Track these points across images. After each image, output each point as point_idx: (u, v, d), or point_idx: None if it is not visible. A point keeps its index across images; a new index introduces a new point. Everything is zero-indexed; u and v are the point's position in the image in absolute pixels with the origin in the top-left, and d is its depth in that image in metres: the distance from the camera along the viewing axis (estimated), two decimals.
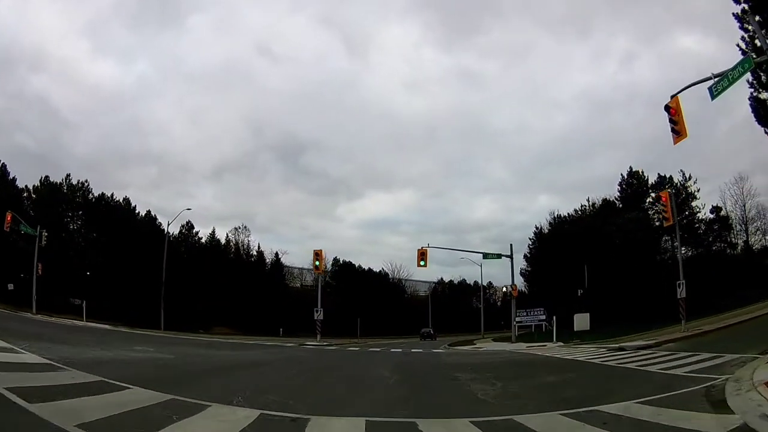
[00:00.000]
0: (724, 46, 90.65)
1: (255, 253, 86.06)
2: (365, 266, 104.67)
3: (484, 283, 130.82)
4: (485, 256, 34.77)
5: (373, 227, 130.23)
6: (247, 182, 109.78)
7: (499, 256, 36.08)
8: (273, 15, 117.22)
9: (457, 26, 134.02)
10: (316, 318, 35.13)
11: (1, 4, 78.75)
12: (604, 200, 55.54)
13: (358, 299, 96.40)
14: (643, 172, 56.27)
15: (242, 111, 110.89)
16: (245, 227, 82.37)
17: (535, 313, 40.48)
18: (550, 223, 62.74)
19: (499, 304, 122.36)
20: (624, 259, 43.57)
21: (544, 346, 28.39)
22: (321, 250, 34.74)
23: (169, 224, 55.41)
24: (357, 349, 29.09)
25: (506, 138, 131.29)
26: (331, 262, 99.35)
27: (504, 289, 34.58)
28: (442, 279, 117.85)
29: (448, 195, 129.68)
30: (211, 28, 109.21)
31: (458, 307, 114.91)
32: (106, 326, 38.89)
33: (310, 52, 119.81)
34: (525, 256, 67.49)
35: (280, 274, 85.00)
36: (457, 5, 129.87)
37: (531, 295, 66.81)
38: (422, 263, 32.26)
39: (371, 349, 28.59)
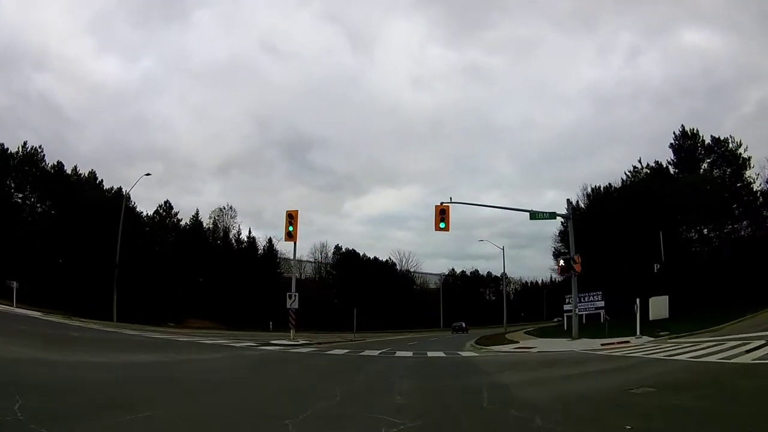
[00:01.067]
0: (729, 43, 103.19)
1: (246, 238, 76.87)
2: (370, 255, 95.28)
3: (497, 274, 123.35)
4: (533, 215, 25.16)
5: (380, 223, 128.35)
6: (254, 178, 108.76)
7: (552, 215, 26.43)
8: (278, 10, 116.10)
9: (462, 21, 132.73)
10: (289, 306, 26.04)
11: (5, 2, 74.24)
12: (656, 163, 45.89)
13: (362, 291, 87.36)
14: (697, 131, 46.46)
15: (248, 107, 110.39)
16: (231, 207, 73.16)
17: (592, 298, 31.20)
18: (588, 195, 53.17)
19: (512, 296, 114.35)
20: (693, 228, 34.10)
21: (627, 342, 19.10)
22: (296, 211, 25.45)
23: (127, 194, 45.90)
24: (342, 352, 19.41)
25: (512, 133, 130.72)
26: (332, 251, 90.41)
27: (560, 263, 23.92)
28: (453, 270, 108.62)
29: (454, 191, 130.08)
30: (216, 24, 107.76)
31: (471, 299, 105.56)
32: (35, 314, 30.79)
33: (316, 48, 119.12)
34: (560, 234, 57.68)
35: (273, 262, 75.73)
36: (462, 0, 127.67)
37: (568, 282, 57.50)
38: (442, 225, 23.13)
39: (365, 353, 19.53)
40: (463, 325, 69.27)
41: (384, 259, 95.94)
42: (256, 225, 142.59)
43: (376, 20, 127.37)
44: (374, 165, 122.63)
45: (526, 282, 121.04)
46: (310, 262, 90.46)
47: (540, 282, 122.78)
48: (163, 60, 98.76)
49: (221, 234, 71.53)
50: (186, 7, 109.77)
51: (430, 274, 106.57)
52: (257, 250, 76.76)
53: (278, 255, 79.33)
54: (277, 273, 76.05)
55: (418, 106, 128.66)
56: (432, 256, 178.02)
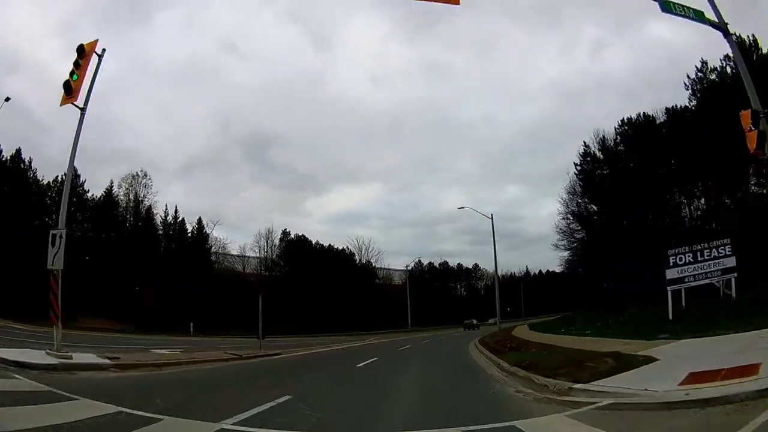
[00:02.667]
0: (697, 35, 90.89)
1: (171, 218, 62.31)
2: (324, 243, 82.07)
3: (469, 266, 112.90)
4: (665, 6, 11.37)
5: (342, 222, 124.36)
6: (216, 178, 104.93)
7: (699, 14, 12.76)
8: (240, 10, 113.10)
9: (422, 18, 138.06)
10: (49, 266, 12.11)
11: None
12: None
13: (314, 285, 74.46)
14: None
15: (210, 107, 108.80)
16: (145, 174, 58.55)
17: (707, 255, 17.65)
18: (619, 132, 41.07)
19: (482, 292, 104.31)
20: None
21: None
22: (93, 43, 12.46)
23: None
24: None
25: (474, 130, 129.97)
26: (279, 236, 76.68)
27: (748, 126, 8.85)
28: (420, 261, 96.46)
29: (415, 188, 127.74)
30: (179, 25, 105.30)
31: (441, 294, 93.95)
32: None
33: (277, 48, 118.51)
34: (573, 193, 46.73)
35: (204, 248, 61.49)
36: None
37: (586, 258, 46.65)
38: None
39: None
40: (475, 321, 67.36)
41: (340, 248, 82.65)
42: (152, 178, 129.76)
43: (337, 19, 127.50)
44: (336, 163, 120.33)
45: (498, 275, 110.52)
46: (254, 257, 76.41)
47: (513, 273, 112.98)
48: (127, 62, 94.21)
49: (132, 207, 56.68)
50: (150, 7, 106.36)
51: (395, 270, 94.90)
52: (186, 230, 62.33)
53: (212, 242, 65.31)
54: (209, 262, 61.83)
55: (380, 104, 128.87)
56: (395, 254, 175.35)
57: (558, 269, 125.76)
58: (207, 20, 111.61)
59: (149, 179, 58.51)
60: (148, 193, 58.31)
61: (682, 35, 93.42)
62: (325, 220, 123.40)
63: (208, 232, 63.29)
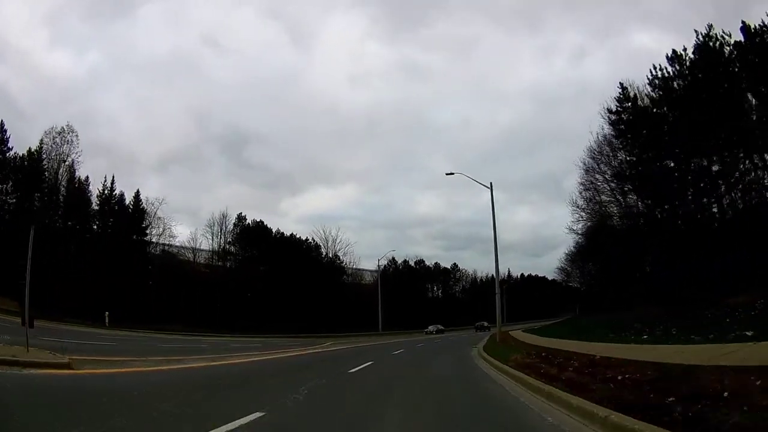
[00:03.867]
0: (680, 44, 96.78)
1: (107, 191, 51.86)
2: (285, 231, 72.61)
3: (448, 266, 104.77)
4: None
5: (317, 222, 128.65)
6: (192, 174, 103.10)
7: None
8: (222, 6, 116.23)
9: (402, 19, 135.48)
10: None
11: None
12: None
13: (273, 278, 64.96)
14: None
15: (189, 102, 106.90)
16: (71, 129, 47.90)
17: None
18: (656, 83, 32.26)
19: (458, 295, 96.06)
20: None
21: None
22: None
23: None
24: None
25: (450, 133, 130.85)
26: (233, 221, 66.88)
27: None
28: (393, 258, 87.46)
29: (390, 190, 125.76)
30: (161, 19, 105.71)
31: (415, 295, 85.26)
32: None
33: (256, 45, 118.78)
34: (600, 153, 39.37)
35: (139, 226, 51.40)
36: None
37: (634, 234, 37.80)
38: None
39: None
40: (485, 324, 66.27)
41: (304, 238, 73.16)
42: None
43: (316, 17, 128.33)
44: (311, 163, 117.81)
45: (476, 278, 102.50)
46: (205, 250, 66.36)
47: (491, 277, 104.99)
48: (109, 54, 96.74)
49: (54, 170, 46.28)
50: (135, 1, 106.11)
51: (366, 269, 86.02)
52: (125, 206, 51.98)
53: (156, 223, 55.03)
54: (143, 244, 51.80)
55: (356, 104, 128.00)
56: (368, 257, 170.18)
57: (542, 274, 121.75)
58: (189, 15, 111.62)
59: (75, 135, 47.79)
60: (71, 151, 47.70)
61: (665, 45, 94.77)
62: (300, 220, 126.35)
63: (145, 208, 52.98)
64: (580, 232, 46.17)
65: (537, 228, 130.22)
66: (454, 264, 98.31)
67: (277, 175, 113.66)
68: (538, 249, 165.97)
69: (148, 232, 55.44)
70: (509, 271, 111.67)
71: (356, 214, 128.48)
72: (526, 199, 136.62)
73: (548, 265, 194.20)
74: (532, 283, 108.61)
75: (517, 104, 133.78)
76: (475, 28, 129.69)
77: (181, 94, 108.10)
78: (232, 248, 68.26)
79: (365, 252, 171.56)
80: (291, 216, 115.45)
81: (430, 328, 65.08)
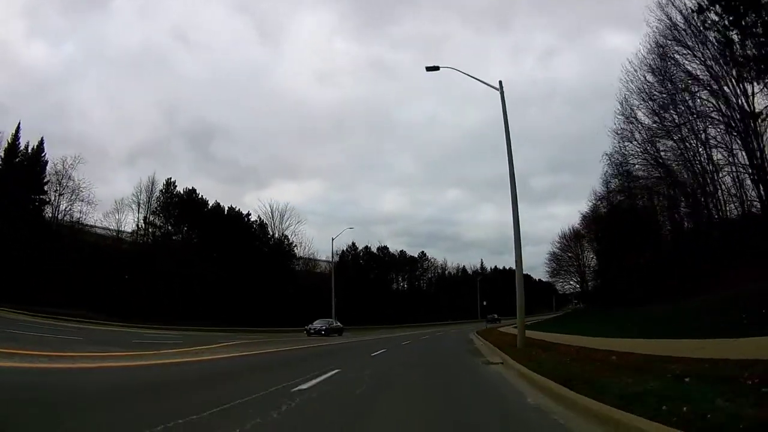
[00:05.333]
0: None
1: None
2: (224, 204, 60.47)
3: (415, 254, 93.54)
4: None
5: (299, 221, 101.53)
6: (161, 168, 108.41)
7: None
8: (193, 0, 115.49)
9: (371, 16, 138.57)
10: None
11: None
12: None
13: (208, 261, 52.90)
14: None
15: (158, 96, 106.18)
16: None
17: None
18: None
19: (425, 287, 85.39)
20: None
21: None
22: None
23: None
24: None
25: (417, 131, 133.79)
26: (162, 187, 54.64)
27: None
28: (353, 244, 76.02)
29: (355, 187, 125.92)
30: (134, 11, 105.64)
31: (378, 287, 74.33)
32: None
33: (225, 39, 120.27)
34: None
35: (37, 183, 38.72)
36: None
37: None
38: None
39: None
40: (496, 316, 67.85)
41: (245, 212, 61.06)
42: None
43: (285, 12, 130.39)
44: (277, 158, 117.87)
45: (445, 271, 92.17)
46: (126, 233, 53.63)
47: (462, 269, 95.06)
48: (83, 47, 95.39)
49: None
50: None
51: (323, 260, 74.63)
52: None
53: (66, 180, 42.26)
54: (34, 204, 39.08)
55: (323, 100, 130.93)
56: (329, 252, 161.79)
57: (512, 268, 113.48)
58: (160, 8, 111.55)
59: None
60: None
61: (636, 45, 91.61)
62: (300, 241, 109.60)
63: (47, 159, 40.40)
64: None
65: (502, 227, 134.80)
66: (422, 253, 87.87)
67: (242, 170, 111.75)
68: (502, 247, 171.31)
69: (47, 189, 42.79)
70: (482, 263, 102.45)
71: (321, 210, 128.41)
72: (491, 198, 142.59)
73: (513, 263, 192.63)
74: (506, 277, 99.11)
75: (484, 104, 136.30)
76: (444, 26, 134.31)
77: (151, 87, 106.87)
78: (157, 220, 55.55)
79: (328, 248, 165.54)
80: (253, 209, 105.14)
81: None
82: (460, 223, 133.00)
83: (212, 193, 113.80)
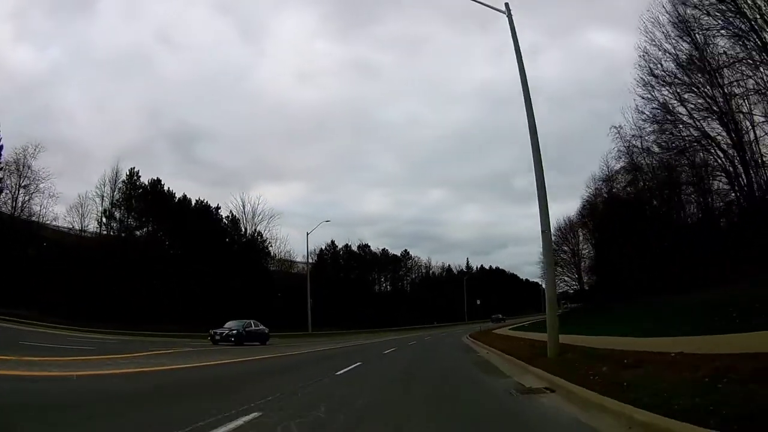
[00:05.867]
0: (637, 44, 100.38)
1: None
2: (192, 197, 55.54)
3: (398, 253, 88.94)
4: None
5: (279, 221, 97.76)
6: (144, 171, 79.16)
7: None
8: (177, 1, 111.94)
9: (353, 15, 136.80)
10: None
11: None
12: None
13: (173, 258, 47.93)
14: None
15: (142, 98, 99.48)
16: None
17: None
18: None
19: (408, 288, 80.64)
20: None
21: None
22: None
23: None
24: None
25: (399, 131, 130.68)
26: (127, 174, 49.93)
27: None
28: (333, 242, 71.21)
29: (338, 188, 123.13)
30: (119, 13, 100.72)
31: (358, 288, 69.70)
32: None
33: (207, 40, 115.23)
34: None
35: None
36: None
37: None
38: None
39: None
40: (501, 316, 66.93)
41: (214, 205, 56.03)
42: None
43: (267, 12, 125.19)
44: (260, 160, 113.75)
45: (430, 271, 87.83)
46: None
47: (447, 268, 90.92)
48: (69, 49, 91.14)
49: None
50: None
51: (302, 262, 69.95)
52: None
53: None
54: None
55: (306, 101, 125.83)
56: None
57: (498, 267, 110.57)
58: (144, 9, 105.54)
59: None
60: None
61: (623, 45, 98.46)
62: (274, 237, 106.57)
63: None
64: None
65: (485, 227, 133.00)
66: (405, 251, 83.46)
67: (226, 173, 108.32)
68: (486, 247, 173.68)
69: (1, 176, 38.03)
70: (467, 262, 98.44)
71: (304, 212, 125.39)
72: (475, 198, 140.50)
73: (496, 263, 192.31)
74: (493, 277, 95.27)
75: (467, 103, 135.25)
76: (426, 26, 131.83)
77: (135, 89, 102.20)
78: (118, 214, 50.46)
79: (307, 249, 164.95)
80: (225, 204, 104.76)
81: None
82: (443, 224, 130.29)
83: (197, 194, 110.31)
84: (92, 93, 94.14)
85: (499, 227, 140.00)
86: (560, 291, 74.53)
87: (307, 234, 51.56)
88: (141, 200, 51.27)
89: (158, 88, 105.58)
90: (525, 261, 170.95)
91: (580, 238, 56.00)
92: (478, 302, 43.10)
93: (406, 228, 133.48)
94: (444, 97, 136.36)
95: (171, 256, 51.63)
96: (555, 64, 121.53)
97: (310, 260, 68.53)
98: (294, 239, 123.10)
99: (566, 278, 59.06)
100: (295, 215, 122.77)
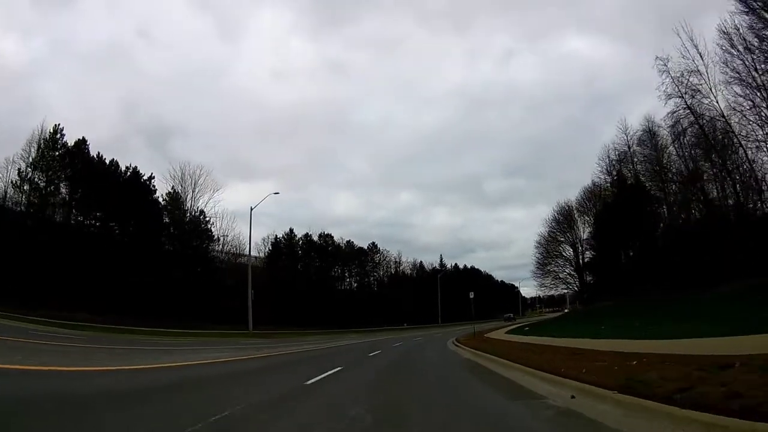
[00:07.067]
0: (618, 53, 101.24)
1: None
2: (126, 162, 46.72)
3: (364, 245, 79.22)
4: None
5: (236, 217, 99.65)
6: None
7: None
8: None
9: (328, 14, 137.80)
10: None
11: None
12: None
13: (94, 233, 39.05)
14: None
15: (119, 93, 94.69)
16: None
17: None
18: None
19: (375, 285, 72.03)
20: None
21: None
22: None
23: None
24: None
25: (372, 133, 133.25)
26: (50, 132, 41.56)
27: None
28: (291, 230, 62.55)
29: (309, 188, 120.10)
30: (100, 6, 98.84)
31: (319, 282, 61.48)
32: None
33: (185, 36, 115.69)
34: None
35: None
36: None
37: None
38: None
39: None
40: (511, 315, 68.39)
41: (148, 175, 47.22)
42: None
43: (244, 9, 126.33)
44: (232, 158, 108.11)
45: (399, 269, 79.76)
46: None
47: (419, 265, 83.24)
48: (51, 42, 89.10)
49: None
50: None
51: (254, 256, 61.30)
52: None
53: None
54: None
55: (279, 100, 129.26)
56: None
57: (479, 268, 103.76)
58: (126, 3, 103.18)
59: None
60: None
61: (602, 51, 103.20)
62: (218, 215, 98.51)
63: None
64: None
65: (455, 230, 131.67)
66: (373, 244, 75.09)
67: (196, 169, 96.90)
68: (457, 251, 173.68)
69: None
70: (441, 258, 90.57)
71: (273, 212, 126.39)
72: (445, 201, 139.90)
73: (475, 261, 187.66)
74: (468, 277, 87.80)
75: (441, 105, 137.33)
76: (401, 27, 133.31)
77: (113, 84, 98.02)
78: (37, 179, 41.53)
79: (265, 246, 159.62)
80: (207, 211, 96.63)
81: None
82: (413, 226, 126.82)
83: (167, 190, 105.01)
84: (72, 86, 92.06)
85: (470, 231, 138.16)
86: (560, 294, 69.24)
87: (251, 209, 42.74)
88: (61, 164, 42.16)
89: (136, 83, 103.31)
90: (497, 265, 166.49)
91: (582, 229, 49.53)
92: (472, 295, 35.23)
93: (375, 230, 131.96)
94: (417, 98, 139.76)
95: (92, 235, 42.56)
96: (531, 68, 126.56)
97: (265, 249, 59.87)
98: (218, 188, 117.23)
99: (566, 271, 52.33)
100: (266, 214, 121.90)
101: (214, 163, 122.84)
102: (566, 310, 74.55)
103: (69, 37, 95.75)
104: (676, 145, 30.79)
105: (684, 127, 29.18)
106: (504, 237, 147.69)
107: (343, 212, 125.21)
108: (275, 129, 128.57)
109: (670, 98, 28.61)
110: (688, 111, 27.96)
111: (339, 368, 11.46)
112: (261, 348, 21.35)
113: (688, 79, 27.48)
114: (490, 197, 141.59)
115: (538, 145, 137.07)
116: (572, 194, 54.49)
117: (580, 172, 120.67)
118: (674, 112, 28.69)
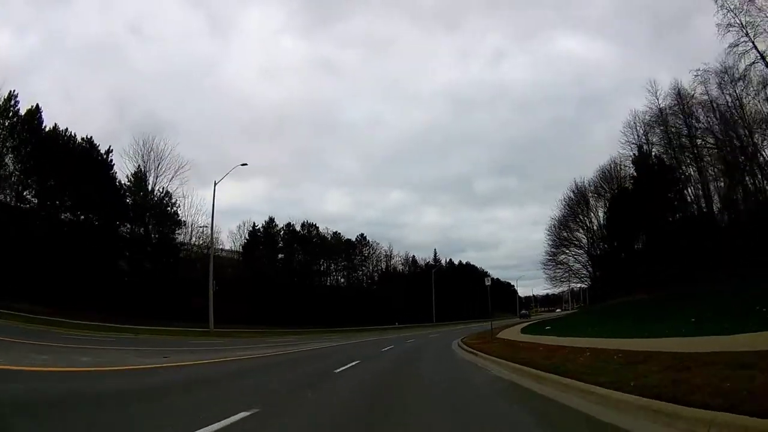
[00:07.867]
0: (611, 53, 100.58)
1: None
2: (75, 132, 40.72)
3: (353, 237, 73.68)
4: None
5: (224, 216, 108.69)
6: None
7: None
8: None
9: (319, 12, 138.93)
10: None
11: None
12: None
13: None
14: None
15: (111, 89, 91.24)
16: None
17: None
18: None
19: (365, 280, 66.95)
20: None
21: None
22: None
23: None
24: None
25: (361, 131, 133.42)
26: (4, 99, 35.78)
27: None
28: (271, 218, 56.72)
29: (298, 186, 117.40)
30: (93, 2, 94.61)
31: (303, 276, 55.85)
32: None
33: (177, 33, 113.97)
34: None
35: None
36: None
37: None
38: None
39: None
40: (526, 312, 71.69)
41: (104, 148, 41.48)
42: None
43: (235, 7, 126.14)
44: (221, 156, 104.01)
45: (390, 266, 74.05)
46: None
47: (411, 260, 77.59)
48: (45, 38, 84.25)
49: None
50: None
51: (228, 249, 55.51)
52: None
53: None
54: None
55: (269, 98, 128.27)
56: None
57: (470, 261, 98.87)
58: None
59: None
60: None
61: (593, 51, 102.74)
62: (207, 213, 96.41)
63: None
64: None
65: (445, 230, 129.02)
66: (362, 236, 69.37)
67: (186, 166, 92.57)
68: (446, 250, 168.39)
69: None
70: (435, 253, 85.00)
71: (264, 210, 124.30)
72: (435, 200, 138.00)
73: (469, 257, 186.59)
74: (463, 273, 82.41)
75: (430, 105, 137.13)
76: (391, 26, 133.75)
77: (105, 80, 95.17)
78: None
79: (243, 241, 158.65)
80: (198, 209, 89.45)
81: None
82: (403, 226, 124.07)
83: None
84: (64, 83, 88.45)
85: (460, 230, 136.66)
86: (555, 294, 64.08)
87: (215, 183, 36.72)
88: (8, 133, 36.43)
89: (128, 80, 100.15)
90: (488, 265, 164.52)
91: (595, 216, 44.65)
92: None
93: (365, 229, 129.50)
94: (406, 97, 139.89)
95: (43, 219, 36.81)
96: (521, 68, 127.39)
97: (242, 239, 54.03)
98: (183, 162, 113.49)
99: (580, 257, 47.44)
100: (255, 212, 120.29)
101: (203, 159, 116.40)
102: (559, 311, 69.83)
103: (62, 33, 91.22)
104: (740, 87, 25.54)
105: (747, 64, 24.08)
106: (493, 237, 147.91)
107: (334, 211, 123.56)
108: (265, 126, 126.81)
109: (730, 28, 23.70)
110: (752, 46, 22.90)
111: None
112: (234, 352, 15.61)
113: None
114: (480, 197, 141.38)
115: (527, 145, 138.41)
116: (563, 194, 50.19)
117: (570, 172, 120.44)
118: (735, 45, 23.70)
